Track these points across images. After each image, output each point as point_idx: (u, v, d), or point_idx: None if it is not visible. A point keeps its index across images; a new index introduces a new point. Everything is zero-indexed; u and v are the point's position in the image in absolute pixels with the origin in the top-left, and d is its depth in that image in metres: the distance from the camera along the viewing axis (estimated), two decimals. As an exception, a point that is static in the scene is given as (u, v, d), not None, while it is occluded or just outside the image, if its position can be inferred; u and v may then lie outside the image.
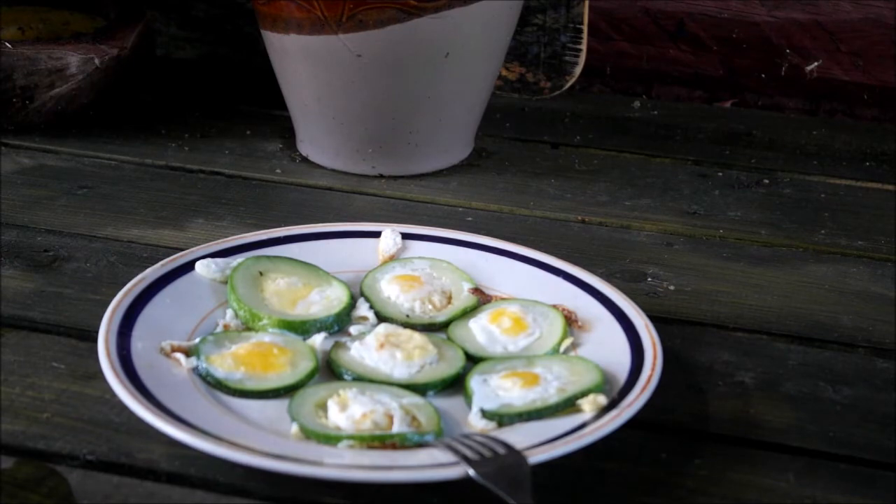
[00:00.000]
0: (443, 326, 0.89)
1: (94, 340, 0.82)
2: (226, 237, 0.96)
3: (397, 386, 0.81)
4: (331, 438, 0.75)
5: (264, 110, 1.29)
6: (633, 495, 0.75)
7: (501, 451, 0.71)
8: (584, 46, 1.33)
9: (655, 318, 0.88)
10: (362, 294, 0.91)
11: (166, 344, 0.83)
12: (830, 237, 1.08)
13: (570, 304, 0.89)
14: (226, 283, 0.90)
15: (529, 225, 1.08)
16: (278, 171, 1.17)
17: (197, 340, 0.84)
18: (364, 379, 0.81)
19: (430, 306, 0.90)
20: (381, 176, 1.16)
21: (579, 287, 0.91)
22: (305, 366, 0.82)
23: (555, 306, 0.89)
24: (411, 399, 0.79)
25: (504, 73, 1.35)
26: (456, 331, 0.88)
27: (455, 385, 0.82)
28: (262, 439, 0.74)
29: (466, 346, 0.86)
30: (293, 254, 0.93)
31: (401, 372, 0.82)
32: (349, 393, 0.78)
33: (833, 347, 0.92)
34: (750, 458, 0.78)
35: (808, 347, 0.91)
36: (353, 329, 0.88)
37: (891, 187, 1.19)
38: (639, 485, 0.76)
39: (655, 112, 1.35)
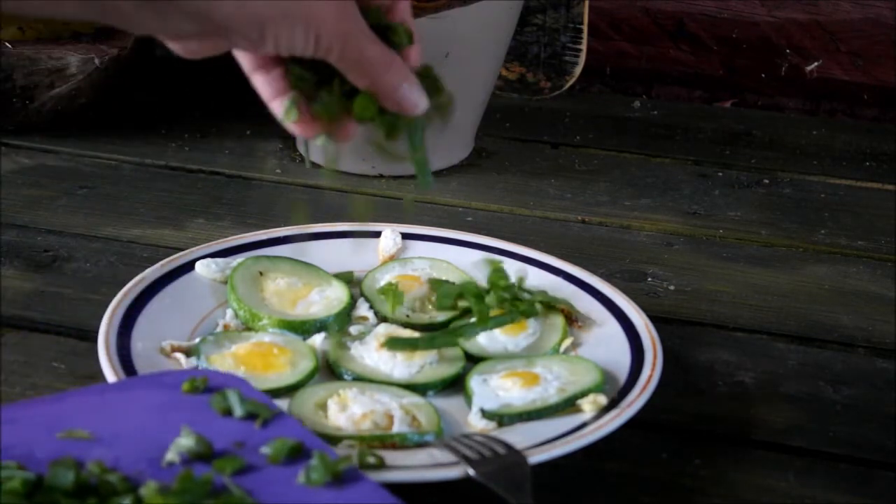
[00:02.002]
0: (442, 326, 0.89)
1: (94, 340, 0.82)
2: (226, 237, 0.96)
3: (397, 386, 0.81)
4: (331, 438, 0.75)
5: (264, 110, 1.29)
6: (633, 495, 0.75)
7: (501, 451, 0.71)
8: (584, 46, 1.33)
9: (655, 318, 0.88)
10: (362, 294, 0.91)
11: (166, 344, 0.83)
12: (830, 237, 1.08)
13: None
14: (226, 283, 0.90)
15: (529, 225, 1.08)
16: (278, 170, 1.17)
17: (197, 340, 0.84)
18: (364, 379, 0.81)
19: (430, 306, 0.90)
20: (381, 176, 1.16)
21: (579, 287, 0.91)
22: (305, 365, 0.82)
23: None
24: (411, 399, 0.79)
25: (504, 73, 1.35)
26: (456, 331, 0.88)
27: (455, 385, 0.82)
28: (262, 439, 0.74)
29: (466, 346, 0.86)
30: (293, 254, 0.93)
31: (401, 372, 0.82)
32: (349, 393, 0.78)
33: (833, 347, 0.92)
34: (750, 458, 0.78)
35: (808, 347, 0.91)
36: (353, 329, 0.88)
37: (891, 187, 1.19)
38: (639, 485, 0.76)
39: (655, 112, 1.35)
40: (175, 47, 0.71)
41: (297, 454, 0.67)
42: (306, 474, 0.65)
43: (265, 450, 0.67)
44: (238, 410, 0.71)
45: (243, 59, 0.75)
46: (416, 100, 0.73)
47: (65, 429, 0.68)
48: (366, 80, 0.72)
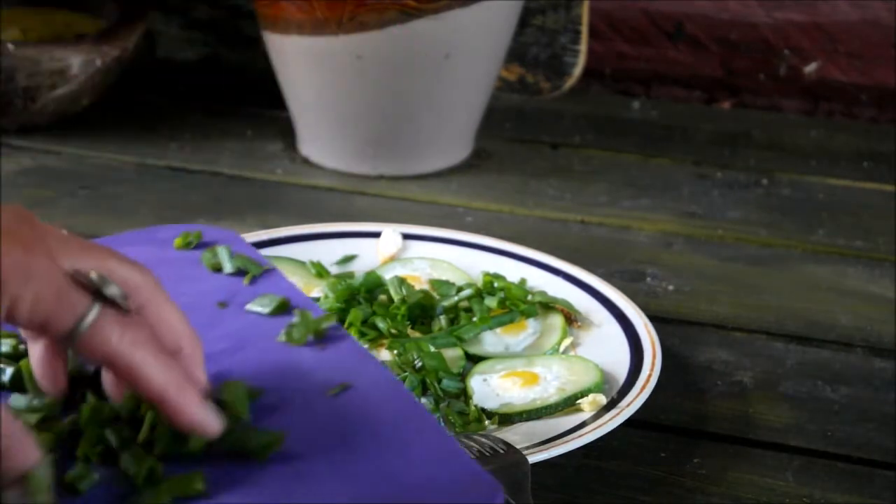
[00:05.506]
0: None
1: (97, 340, 0.82)
2: (227, 237, 0.97)
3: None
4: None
5: (265, 111, 1.29)
6: (633, 494, 0.75)
7: (501, 450, 0.72)
8: (583, 47, 1.34)
9: (654, 318, 0.88)
10: (363, 294, 0.91)
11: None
12: (829, 237, 1.09)
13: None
14: (227, 283, 0.90)
15: (529, 225, 1.09)
16: (279, 171, 1.17)
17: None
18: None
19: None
20: (382, 176, 1.16)
21: (579, 287, 0.91)
22: None
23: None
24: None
25: (504, 74, 1.35)
26: (456, 331, 0.88)
27: (455, 384, 0.82)
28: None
29: (466, 346, 0.86)
30: (293, 254, 0.94)
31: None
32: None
33: (831, 347, 0.92)
34: (748, 458, 0.79)
35: (807, 347, 0.92)
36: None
37: (889, 187, 1.19)
38: (638, 484, 0.76)
39: (655, 113, 1.35)
40: None
41: (283, 311, 0.66)
42: (287, 332, 0.63)
43: (250, 306, 0.66)
44: (227, 266, 0.70)
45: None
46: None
47: None
48: None
